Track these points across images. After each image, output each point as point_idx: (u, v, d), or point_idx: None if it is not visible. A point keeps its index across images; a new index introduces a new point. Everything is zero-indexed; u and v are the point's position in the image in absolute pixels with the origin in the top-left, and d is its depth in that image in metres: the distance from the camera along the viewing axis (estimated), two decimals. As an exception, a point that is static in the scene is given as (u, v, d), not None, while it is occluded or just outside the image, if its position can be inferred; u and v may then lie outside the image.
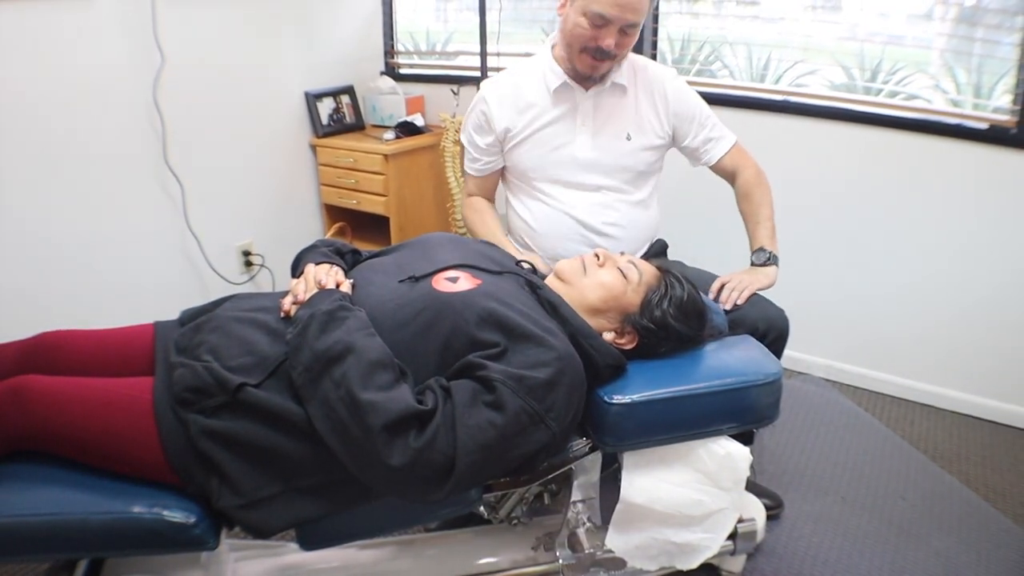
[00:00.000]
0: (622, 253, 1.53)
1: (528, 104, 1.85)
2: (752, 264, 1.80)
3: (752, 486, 1.86)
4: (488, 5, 2.57)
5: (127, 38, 2.31)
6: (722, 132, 1.92)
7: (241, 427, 1.15)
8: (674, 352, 1.43)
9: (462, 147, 3.11)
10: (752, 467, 1.86)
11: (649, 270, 1.45)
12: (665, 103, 1.85)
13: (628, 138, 1.84)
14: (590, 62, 1.73)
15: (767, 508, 1.82)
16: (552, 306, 1.34)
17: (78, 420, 1.13)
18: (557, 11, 1.79)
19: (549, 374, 1.18)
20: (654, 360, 1.41)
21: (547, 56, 1.85)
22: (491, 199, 2.06)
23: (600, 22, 1.66)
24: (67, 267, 2.29)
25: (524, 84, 1.87)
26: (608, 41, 1.67)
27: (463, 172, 3.02)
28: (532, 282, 1.39)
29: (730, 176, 1.92)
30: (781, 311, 1.74)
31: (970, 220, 2.33)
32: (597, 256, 1.45)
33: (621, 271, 1.42)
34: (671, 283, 1.43)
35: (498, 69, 2.73)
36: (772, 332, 1.68)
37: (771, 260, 1.78)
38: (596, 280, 1.41)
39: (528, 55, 3.15)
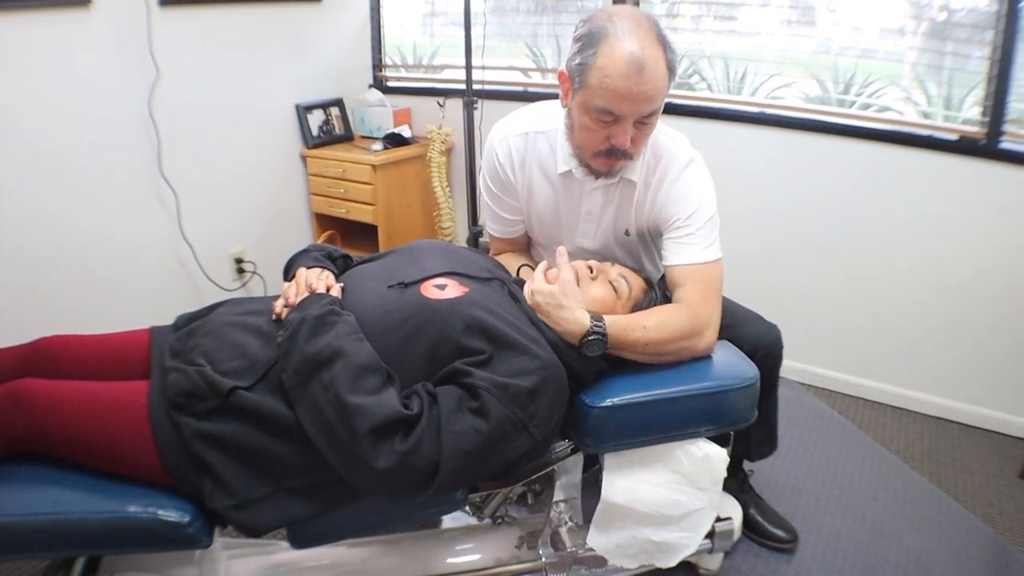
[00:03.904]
0: (613, 264, 1.54)
1: (536, 176, 1.63)
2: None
3: (771, 514, 1.90)
4: (473, 20, 2.61)
5: (123, 52, 2.35)
6: (694, 247, 1.50)
7: (233, 430, 1.17)
8: None
9: (448, 158, 3.17)
10: (742, 476, 1.91)
11: (637, 284, 1.49)
12: (657, 195, 1.55)
13: (627, 234, 1.63)
14: (606, 162, 1.46)
15: (783, 542, 1.86)
16: (531, 316, 1.37)
17: (75, 423, 1.15)
18: (561, 102, 1.50)
19: (533, 383, 1.20)
20: (634, 364, 1.43)
21: (561, 127, 1.54)
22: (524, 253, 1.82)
23: (608, 119, 1.37)
24: (65, 273, 2.32)
25: (535, 148, 1.62)
26: (622, 139, 1.39)
27: (449, 184, 3.08)
28: (514, 293, 1.42)
29: (672, 295, 1.51)
30: (772, 327, 1.68)
31: (940, 228, 2.38)
32: (591, 269, 1.46)
33: (612, 285, 1.45)
34: (656, 298, 1.48)
35: (483, 82, 2.78)
36: (761, 350, 1.61)
37: (598, 326, 1.35)
38: (588, 295, 1.42)
39: (511, 68, 3.20)
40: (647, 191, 1.55)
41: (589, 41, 1.35)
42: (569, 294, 1.36)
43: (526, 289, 1.45)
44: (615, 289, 1.44)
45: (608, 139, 1.41)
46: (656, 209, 1.55)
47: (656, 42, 1.34)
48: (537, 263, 1.72)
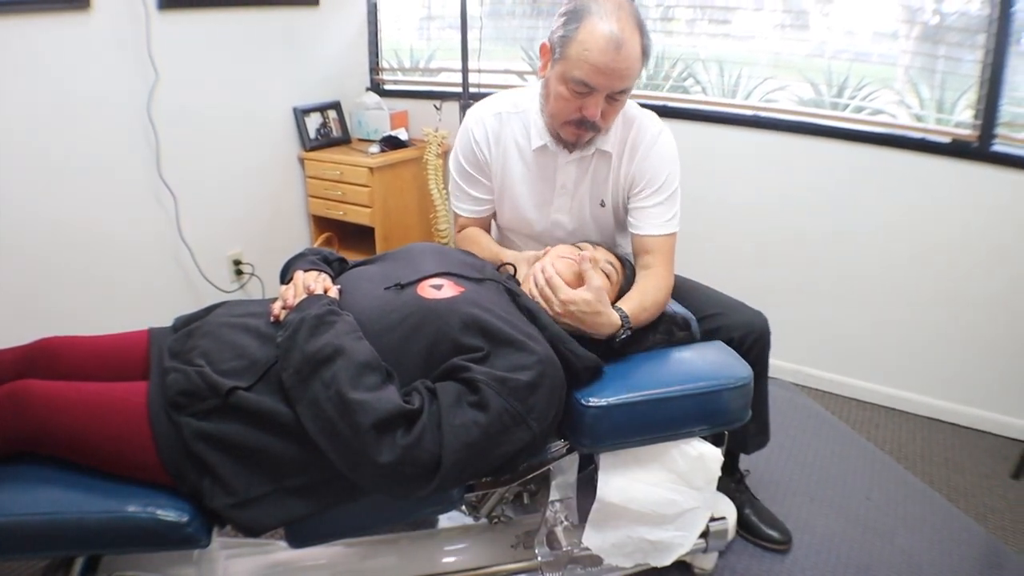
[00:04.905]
0: (595, 246, 1.59)
1: (511, 154, 1.70)
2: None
3: (766, 514, 1.92)
4: (469, 24, 2.63)
5: (122, 55, 2.35)
6: (663, 216, 1.63)
7: (232, 429, 1.18)
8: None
9: (444, 160, 3.18)
10: (741, 479, 1.91)
11: (618, 265, 1.57)
12: (632, 161, 1.65)
13: (602, 204, 1.71)
14: (574, 131, 1.55)
15: (777, 543, 1.87)
16: (531, 313, 1.38)
17: (75, 423, 1.16)
18: (539, 73, 1.59)
19: (531, 376, 1.22)
20: (629, 364, 1.47)
21: (536, 104, 1.65)
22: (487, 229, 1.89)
23: (583, 90, 1.46)
24: (64, 275, 2.33)
25: (510, 127, 1.70)
26: (592, 111, 1.48)
27: (446, 187, 3.10)
28: (511, 290, 1.44)
29: (638, 259, 1.65)
30: (758, 314, 1.73)
31: (933, 230, 2.40)
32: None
33: (604, 273, 1.50)
34: (631, 273, 1.59)
35: (479, 85, 2.79)
36: (750, 337, 1.67)
37: (626, 322, 1.45)
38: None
39: (507, 72, 3.22)
40: (622, 159, 1.65)
41: (573, 16, 1.45)
42: (603, 300, 1.41)
43: (530, 281, 1.49)
44: (607, 276, 1.50)
45: (580, 110, 1.49)
46: (632, 175, 1.65)
47: (634, 26, 1.44)
48: (502, 245, 1.82)
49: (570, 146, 1.62)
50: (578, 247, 1.56)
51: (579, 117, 1.51)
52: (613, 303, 1.48)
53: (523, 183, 1.72)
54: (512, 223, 1.80)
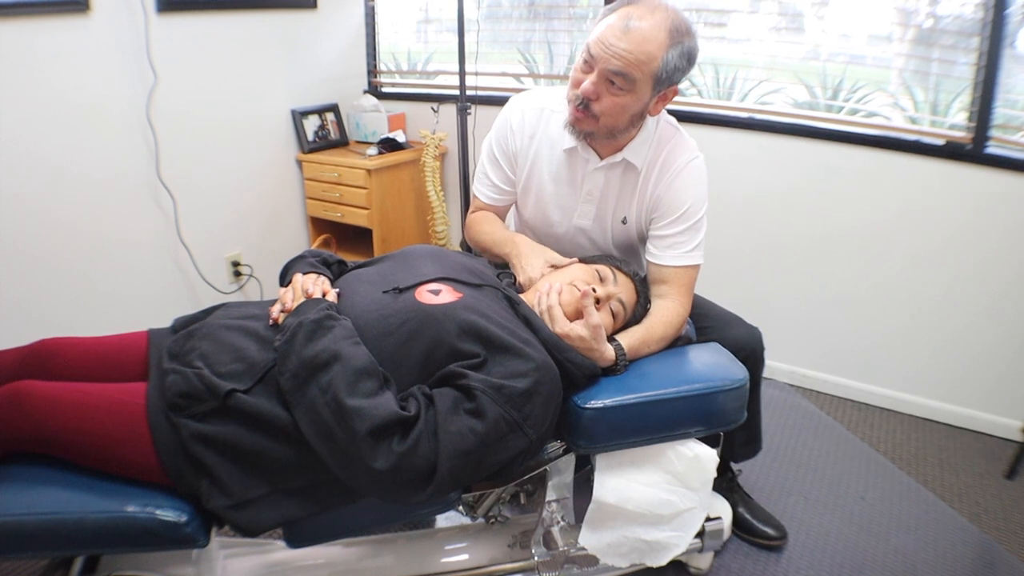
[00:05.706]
0: (616, 269, 1.54)
1: (543, 151, 1.70)
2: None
3: (760, 512, 1.92)
4: (466, 27, 2.64)
5: (122, 58, 2.37)
6: (682, 247, 1.60)
7: (230, 431, 1.19)
8: None
9: (442, 162, 3.19)
10: (735, 481, 1.92)
11: (631, 300, 1.52)
12: (659, 183, 1.63)
13: (624, 222, 1.69)
14: (575, 111, 1.54)
15: (772, 539, 1.87)
16: (528, 320, 1.39)
17: (75, 424, 1.17)
18: None
19: (527, 384, 1.22)
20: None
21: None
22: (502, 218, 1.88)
23: (590, 60, 1.48)
24: (64, 276, 2.34)
25: (550, 124, 1.69)
26: (588, 86, 1.48)
27: (443, 189, 3.11)
28: (510, 297, 1.44)
29: (653, 288, 1.62)
30: (753, 329, 1.72)
31: (927, 232, 2.41)
32: (598, 299, 1.46)
33: (611, 310, 1.48)
34: (644, 306, 1.55)
35: (476, 88, 2.80)
36: (741, 353, 1.62)
37: (622, 358, 1.45)
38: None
39: (504, 75, 3.22)
40: (650, 176, 1.63)
41: (624, 2, 1.50)
42: (599, 338, 1.40)
43: (534, 295, 1.47)
44: (613, 314, 1.48)
45: (579, 83, 1.50)
46: (656, 196, 1.63)
47: (662, 27, 1.44)
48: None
49: (599, 144, 1.61)
50: (597, 272, 1.51)
51: (578, 92, 1.50)
52: (617, 332, 1.49)
53: (552, 182, 1.71)
54: (534, 219, 1.79)
